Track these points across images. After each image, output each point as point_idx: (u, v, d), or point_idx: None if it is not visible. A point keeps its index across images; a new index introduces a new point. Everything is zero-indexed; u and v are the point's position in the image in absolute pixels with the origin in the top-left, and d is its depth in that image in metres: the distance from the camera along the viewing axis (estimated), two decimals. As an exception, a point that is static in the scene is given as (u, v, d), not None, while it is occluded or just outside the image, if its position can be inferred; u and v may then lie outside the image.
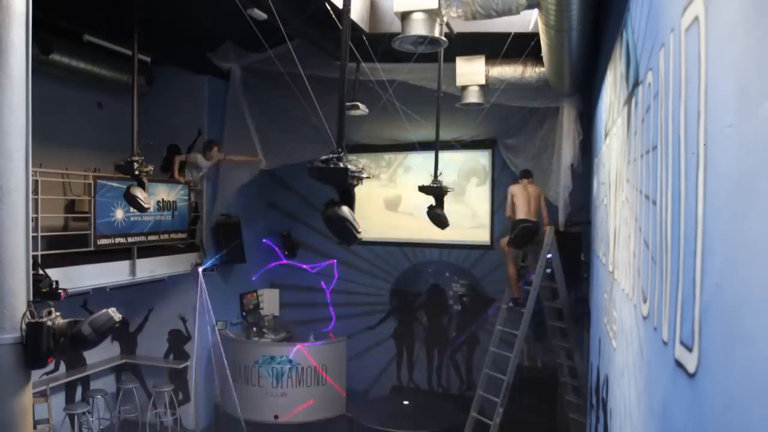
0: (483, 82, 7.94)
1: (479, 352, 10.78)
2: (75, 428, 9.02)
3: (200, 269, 9.58)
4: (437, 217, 7.93)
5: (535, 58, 7.42)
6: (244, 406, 9.94)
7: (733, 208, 1.15)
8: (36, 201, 6.80)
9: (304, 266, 11.79)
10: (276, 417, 9.80)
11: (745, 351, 1.06)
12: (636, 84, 2.93)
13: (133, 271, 8.30)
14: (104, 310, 4.00)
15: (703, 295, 1.35)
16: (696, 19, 1.47)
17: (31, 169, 3.71)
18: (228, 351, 10.11)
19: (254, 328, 10.77)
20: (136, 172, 7.12)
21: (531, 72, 7.86)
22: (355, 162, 4.17)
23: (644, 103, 2.56)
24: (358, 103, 8.01)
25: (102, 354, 9.73)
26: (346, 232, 4.24)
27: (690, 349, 1.44)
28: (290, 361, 9.90)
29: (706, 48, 1.38)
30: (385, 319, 11.47)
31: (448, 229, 8.22)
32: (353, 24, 6.71)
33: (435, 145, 7.80)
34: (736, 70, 1.16)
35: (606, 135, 5.18)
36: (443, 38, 5.59)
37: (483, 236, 10.65)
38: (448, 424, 9.70)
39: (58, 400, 9.07)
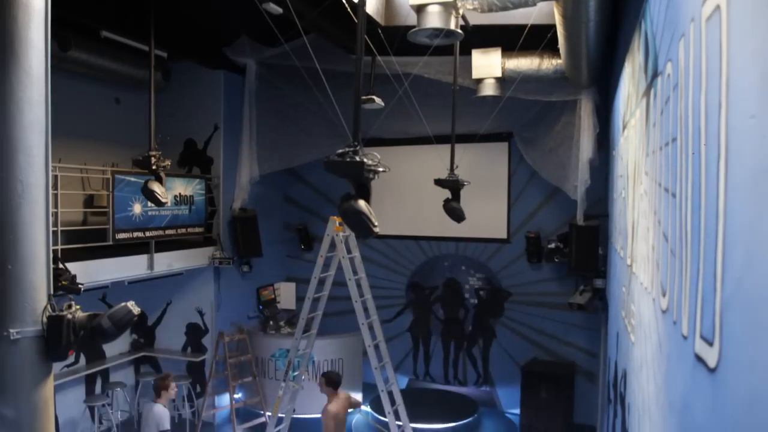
0: (499, 74, 7.89)
1: (496, 346, 10.76)
2: (95, 420, 9.14)
3: (217, 263, 9.67)
4: (453, 210, 7.91)
5: (552, 50, 7.35)
6: (261, 398, 10.02)
7: (755, 200, 1.13)
8: (56, 196, 6.88)
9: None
10: (293, 410, 9.84)
11: None
12: (655, 75, 2.89)
13: (151, 265, 8.38)
14: (123, 304, 4.04)
15: (724, 289, 1.33)
16: (717, 8, 1.45)
17: (50, 164, 3.75)
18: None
19: (271, 322, 10.83)
20: (154, 167, 7.18)
21: (548, 64, 7.80)
22: (371, 155, 4.17)
23: (663, 95, 2.52)
24: (373, 97, 8.00)
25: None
26: (362, 225, 4.24)
27: (711, 344, 1.42)
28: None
29: (728, 37, 1.36)
30: (402, 313, 11.48)
31: (463, 222, 8.21)
32: (368, 17, 6.70)
33: (451, 138, 7.78)
34: (759, 60, 1.14)
35: (624, 127, 5.12)
36: (459, 31, 5.57)
37: (499, 230, 10.60)
38: (464, 418, 9.71)
39: (78, 392, 9.20)
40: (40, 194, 3.67)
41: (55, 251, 4.83)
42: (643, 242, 3.29)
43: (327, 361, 10.06)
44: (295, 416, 9.67)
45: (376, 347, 7.95)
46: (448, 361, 11.20)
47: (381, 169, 4.28)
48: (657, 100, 2.78)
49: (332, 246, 7.86)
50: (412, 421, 9.35)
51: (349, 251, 7.94)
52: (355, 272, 7.89)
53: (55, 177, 6.95)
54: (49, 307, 3.68)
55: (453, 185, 7.80)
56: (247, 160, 10.00)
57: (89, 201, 8.86)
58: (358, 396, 10.47)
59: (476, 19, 6.65)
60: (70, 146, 8.42)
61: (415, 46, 6.13)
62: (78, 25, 7.88)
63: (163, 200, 7.27)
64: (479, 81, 8.05)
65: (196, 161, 10.29)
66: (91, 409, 9.11)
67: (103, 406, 9.15)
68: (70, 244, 7.15)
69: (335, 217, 7.72)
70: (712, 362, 1.41)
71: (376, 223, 4.26)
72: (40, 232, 3.68)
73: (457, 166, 7.83)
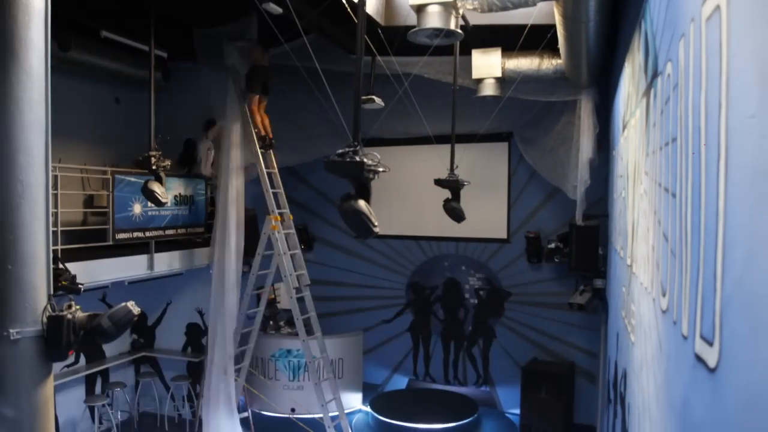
0: (499, 74, 7.89)
1: (496, 346, 10.76)
2: (95, 420, 9.14)
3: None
4: (453, 210, 7.91)
5: (552, 50, 7.36)
6: (260, 399, 10.02)
7: (755, 200, 1.13)
8: (55, 196, 6.88)
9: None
10: (293, 410, 9.86)
11: None
12: (655, 75, 2.89)
13: (151, 265, 8.37)
14: (123, 304, 4.05)
15: (724, 289, 1.33)
16: (717, 8, 1.45)
17: (50, 164, 3.75)
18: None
19: (271, 322, 10.82)
20: (154, 167, 7.18)
21: (548, 64, 7.80)
22: (371, 155, 4.17)
23: (663, 95, 2.53)
24: (373, 97, 8.00)
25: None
26: (362, 225, 4.25)
27: (711, 344, 1.42)
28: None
29: (728, 37, 1.36)
30: (402, 313, 11.48)
31: (463, 222, 8.21)
32: (368, 17, 6.70)
33: (451, 138, 7.78)
34: (759, 60, 1.14)
35: (624, 127, 5.13)
36: (459, 31, 5.57)
37: (499, 230, 10.60)
38: (464, 418, 9.70)
39: (78, 392, 9.20)
40: (40, 194, 3.67)
41: (55, 251, 4.83)
42: (643, 242, 3.29)
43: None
44: (295, 416, 9.70)
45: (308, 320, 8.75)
46: (448, 361, 11.21)
47: (381, 169, 4.28)
48: (657, 100, 2.78)
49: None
50: (412, 421, 9.38)
51: (290, 248, 8.70)
52: (294, 268, 8.70)
53: (55, 177, 6.94)
54: (49, 307, 3.68)
55: (453, 185, 7.80)
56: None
57: (89, 201, 8.85)
58: (357, 396, 10.49)
59: (476, 19, 6.65)
60: (70, 146, 8.41)
61: (415, 46, 6.14)
62: (78, 25, 7.87)
63: (163, 200, 7.27)
64: (479, 81, 8.05)
65: (196, 161, 10.27)
66: (91, 409, 9.10)
67: (103, 406, 9.15)
68: (70, 244, 7.14)
69: (272, 216, 8.55)
70: (712, 362, 1.41)
71: (376, 223, 4.27)
72: (40, 232, 3.68)
73: (457, 166, 7.84)
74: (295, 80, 8.28)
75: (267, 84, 8.58)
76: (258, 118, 8.69)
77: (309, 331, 8.73)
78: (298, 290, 8.63)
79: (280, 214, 8.72)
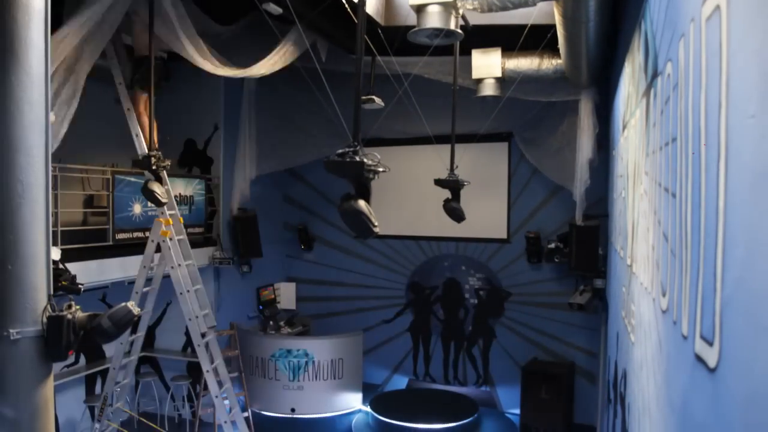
0: (499, 74, 7.90)
1: (496, 346, 10.76)
2: (95, 420, 9.13)
3: (217, 263, 9.66)
4: (453, 210, 7.91)
5: (552, 50, 7.36)
6: (260, 399, 10.02)
7: (755, 200, 1.13)
8: (56, 196, 6.87)
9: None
10: (292, 410, 9.86)
11: None
12: (655, 75, 2.89)
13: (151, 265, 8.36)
14: (123, 304, 4.04)
15: (724, 289, 1.33)
16: (717, 8, 1.45)
17: (50, 164, 3.75)
18: (245, 344, 10.17)
19: (271, 322, 10.83)
20: (154, 167, 7.17)
21: (548, 64, 7.80)
22: (371, 155, 4.18)
23: (663, 95, 2.53)
24: (373, 97, 8.00)
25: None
26: (362, 225, 4.25)
27: (711, 344, 1.42)
28: (307, 355, 9.95)
29: (728, 37, 1.36)
30: (402, 313, 11.48)
31: (463, 222, 8.22)
32: (368, 17, 6.70)
33: (451, 138, 7.79)
34: (759, 60, 1.14)
35: (624, 127, 5.13)
36: (459, 31, 5.57)
37: (499, 230, 10.60)
38: (464, 418, 9.70)
39: (78, 392, 9.20)
40: (40, 194, 3.66)
41: (55, 251, 4.82)
42: (643, 242, 3.29)
43: (327, 361, 10.06)
44: (295, 416, 9.70)
45: (215, 371, 7.69)
46: (448, 361, 11.21)
47: (381, 169, 4.28)
48: (657, 100, 2.78)
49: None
50: (412, 421, 9.35)
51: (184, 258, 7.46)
52: (193, 283, 7.46)
53: (55, 177, 6.93)
54: (49, 307, 3.67)
55: (453, 185, 7.80)
56: (242, 161, 10.01)
57: (89, 201, 8.85)
58: (357, 396, 10.48)
59: (476, 19, 6.65)
60: (70, 146, 8.39)
61: (415, 46, 6.14)
62: (78, 25, 7.84)
63: (163, 200, 7.26)
64: (479, 81, 8.06)
65: (196, 161, 10.29)
66: (91, 409, 9.10)
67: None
68: (70, 244, 7.13)
69: (162, 219, 7.32)
70: (712, 362, 1.41)
71: (376, 223, 4.27)
72: (40, 232, 3.67)
73: (457, 166, 7.84)
74: (295, 80, 8.28)
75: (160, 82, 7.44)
76: (146, 122, 7.37)
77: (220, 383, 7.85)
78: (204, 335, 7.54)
79: (171, 216, 7.47)
